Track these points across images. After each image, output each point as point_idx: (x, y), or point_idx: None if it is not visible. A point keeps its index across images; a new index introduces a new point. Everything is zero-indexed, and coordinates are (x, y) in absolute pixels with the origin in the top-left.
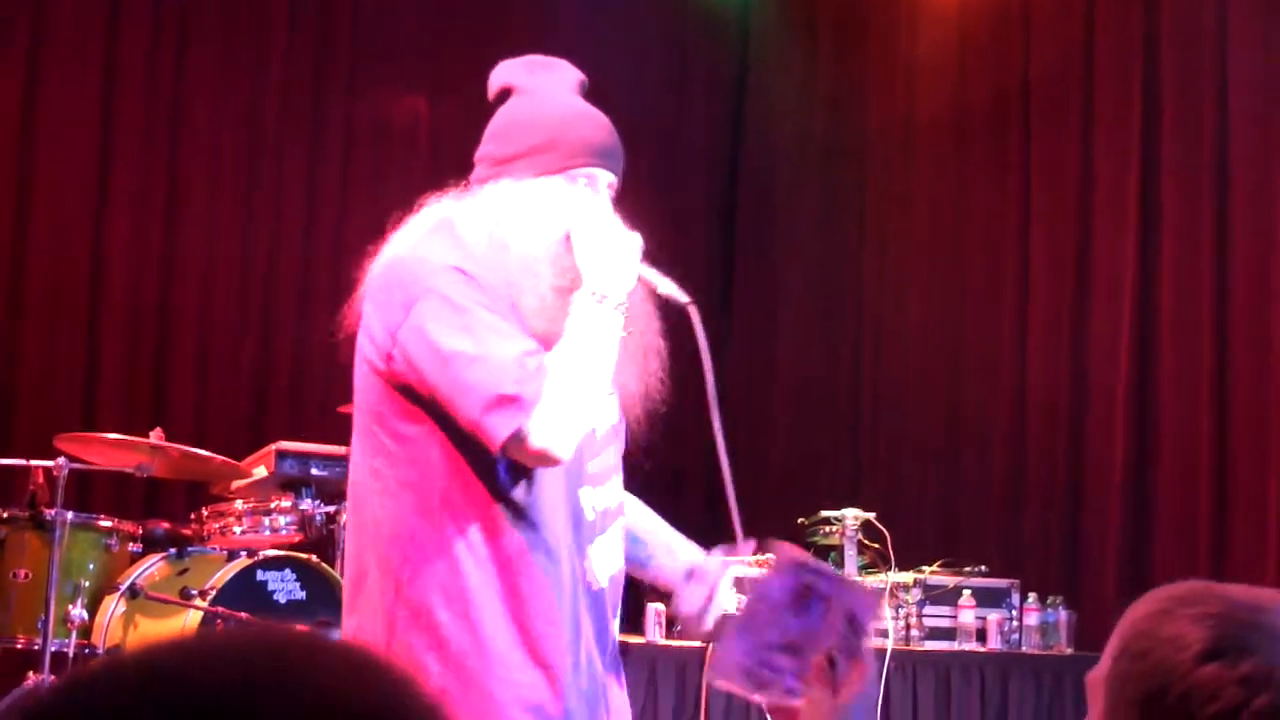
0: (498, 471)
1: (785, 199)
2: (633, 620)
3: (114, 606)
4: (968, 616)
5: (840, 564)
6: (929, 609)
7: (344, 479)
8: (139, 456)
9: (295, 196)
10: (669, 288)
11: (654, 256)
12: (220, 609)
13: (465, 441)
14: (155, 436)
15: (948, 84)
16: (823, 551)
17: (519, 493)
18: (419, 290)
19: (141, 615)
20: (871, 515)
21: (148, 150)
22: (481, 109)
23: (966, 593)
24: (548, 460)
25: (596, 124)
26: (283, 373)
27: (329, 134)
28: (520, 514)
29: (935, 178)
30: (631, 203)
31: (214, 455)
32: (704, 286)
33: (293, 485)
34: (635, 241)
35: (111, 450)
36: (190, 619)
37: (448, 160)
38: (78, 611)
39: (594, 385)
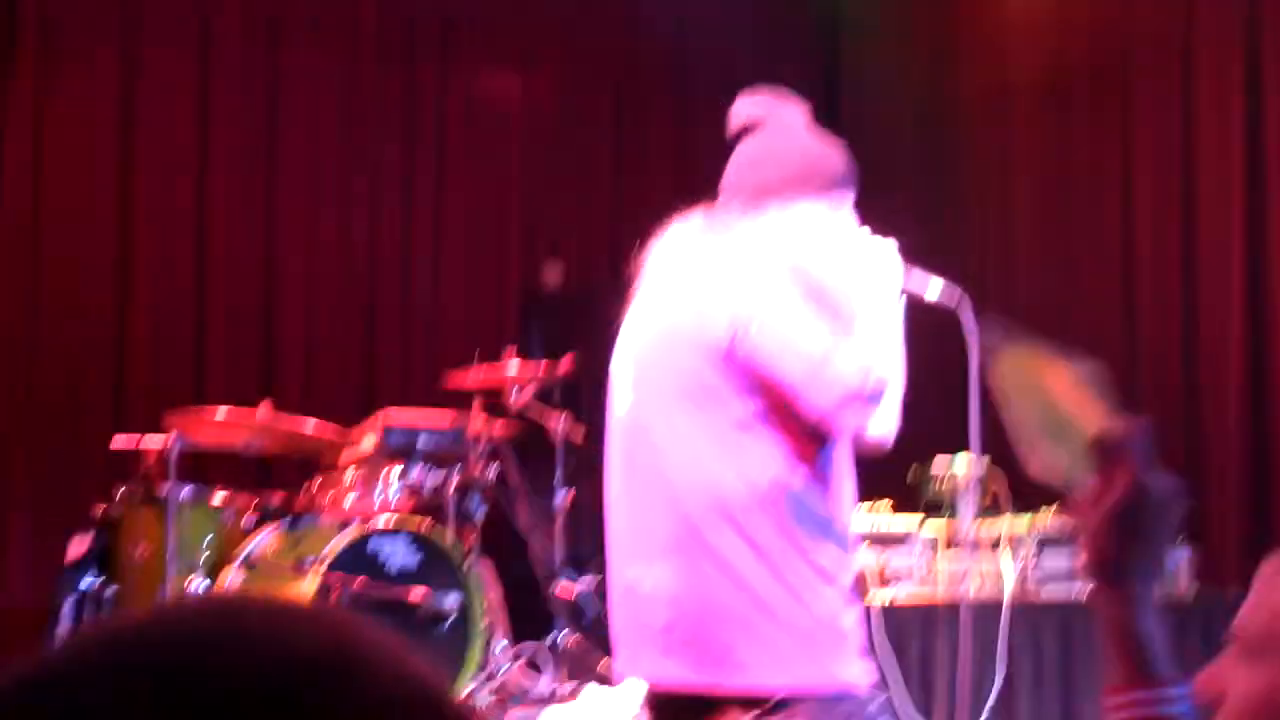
0: (825, 444)
1: (882, 165)
2: None
3: (231, 579)
4: None
5: (954, 512)
6: (1046, 553)
7: (448, 448)
8: (247, 434)
9: (393, 170)
10: (937, 289)
11: None
12: (335, 575)
13: (798, 421)
14: (263, 410)
15: (1047, 44)
16: (936, 502)
17: (838, 461)
18: (768, 292)
19: (259, 587)
20: (985, 459)
21: (247, 130)
22: (571, 82)
23: None
24: (879, 449)
25: (841, 153)
26: (389, 342)
27: (422, 108)
28: (836, 482)
29: (1036, 141)
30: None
31: (321, 428)
32: None
33: (401, 454)
34: (894, 249)
35: (220, 429)
36: (306, 587)
37: (540, 135)
38: (196, 585)
39: (900, 380)
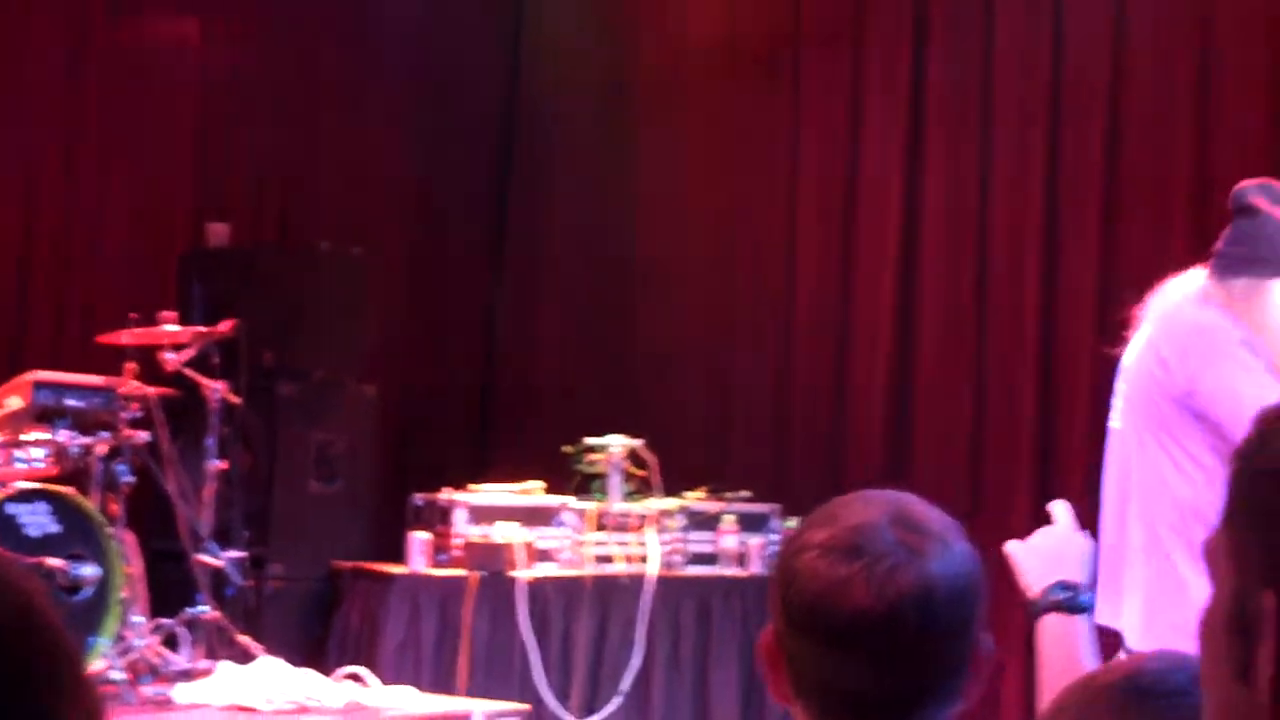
0: None
1: (563, 131)
2: (395, 549)
3: None
4: (730, 541)
5: (604, 492)
6: (693, 535)
7: (99, 411)
8: None
9: (54, 120)
10: None
11: (430, 187)
12: None
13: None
14: None
15: (722, 17)
16: (587, 480)
17: None
18: (1218, 353)
19: None
20: (638, 442)
21: None
22: (255, 33)
23: (729, 518)
24: None
25: None
26: (43, 299)
27: (89, 56)
28: None
29: (708, 109)
30: (405, 138)
31: None
32: (479, 213)
33: (49, 416)
34: None
35: None
36: None
37: (217, 84)
38: None
39: None
